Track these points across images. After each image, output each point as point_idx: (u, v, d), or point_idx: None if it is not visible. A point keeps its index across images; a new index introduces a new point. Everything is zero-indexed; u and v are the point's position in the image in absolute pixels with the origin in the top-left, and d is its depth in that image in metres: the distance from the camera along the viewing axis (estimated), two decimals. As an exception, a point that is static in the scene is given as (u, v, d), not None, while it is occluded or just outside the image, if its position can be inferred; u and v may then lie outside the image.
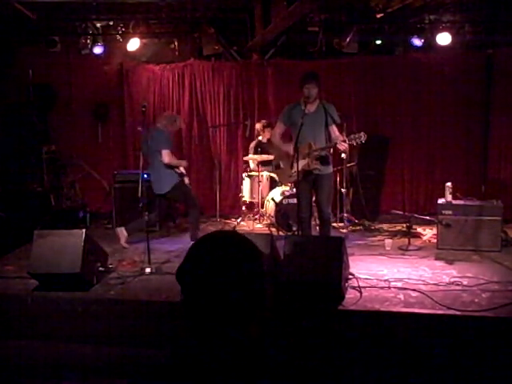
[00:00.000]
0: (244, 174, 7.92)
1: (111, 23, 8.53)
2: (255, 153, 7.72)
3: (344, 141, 5.64)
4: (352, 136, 5.66)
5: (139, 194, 5.87)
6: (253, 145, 8.01)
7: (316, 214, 7.20)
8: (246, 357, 1.29)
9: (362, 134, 5.60)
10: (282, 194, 7.19)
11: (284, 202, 7.09)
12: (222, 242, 1.36)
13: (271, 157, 7.52)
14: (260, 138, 7.93)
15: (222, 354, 1.29)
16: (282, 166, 6.17)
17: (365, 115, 8.39)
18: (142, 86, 9.01)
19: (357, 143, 5.71)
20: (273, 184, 7.70)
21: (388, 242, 6.63)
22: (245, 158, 8.04)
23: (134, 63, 8.97)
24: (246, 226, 7.82)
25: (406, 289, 5.01)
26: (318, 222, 7.19)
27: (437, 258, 6.11)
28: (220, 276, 1.29)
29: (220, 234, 1.44)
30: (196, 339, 1.32)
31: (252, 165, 7.87)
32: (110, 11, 8.20)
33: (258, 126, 7.98)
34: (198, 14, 8.27)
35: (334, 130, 5.80)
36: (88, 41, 8.56)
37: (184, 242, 7.10)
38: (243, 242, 1.37)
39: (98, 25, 8.52)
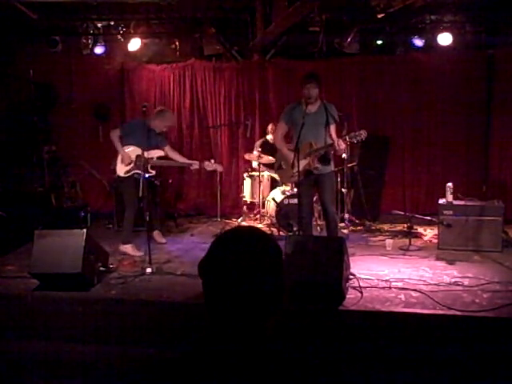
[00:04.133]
0: (245, 174, 7.92)
1: (112, 23, 8.54)
2: (263, 151, 7.72)
3: (344, 140, 5.65)
4: (352, 134, 5.66)
5: (140, 194, 5.87)
6: (259, 143, 8.01)
7: (316, 215, 7.21)
8: (255, 354, 1.29)
9: (362, 131, 5.61)
10: (283, 193, 7.19)
11: (285, 202, 7.09)
12: (244, 238, 1.37)
13: (273, 159, 7.52)
14: (268, 137, 7.91)
15: (233, 349, 1.29)
16: (283, 166, 6.17)
17: (365, 115, 8.39)
18: (142, 86, 9.02)
19: (358, 141, 5.72)
20: (274, 184, 7.69)
21: (389, 242, 6.63)
22: (247, 157, 8.02)
23: (134, 63, 8.98)
24: (247, 226, 7.81)
25: (406, 289, 5.00)
26: (318, 222, 7.20)
27: (437, 259, 6.10)
28: (241, 271, 1.30)
29: (242, 229, 1.47)
30: (213, 332, 1.32)
31: (255, 163, 7.86)
32: (110, 11, 8.21)
33: (270, 126, 7.94)
34: (198, 14, 8.27)
35: (332, 130, 5.81)
36: (89, 41, 8.57)
37: (185, 242, 7.12)
38: (265, 238, 1.38)
39: (99, 25, 8.52)
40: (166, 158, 6.61)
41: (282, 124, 6.04)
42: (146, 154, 6.14)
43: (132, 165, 6.32)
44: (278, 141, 6.21)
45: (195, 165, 6.50)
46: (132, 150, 6.34)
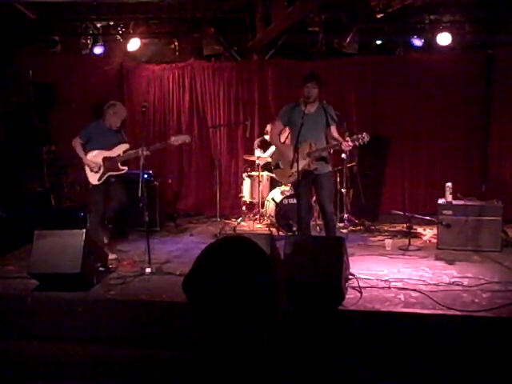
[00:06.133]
0: (244, 174, 7.92)
1: (111, 23, 8.54)
2: (262, 149, 7.71)
3: (346, 141, 5.66)
4: (355, 137, 5.67)
5: (139, 194, 5.86)
6: (258, 141, 8.00)
7: (316, 214, 7.22)
8: (250, 362, 1.27)
9: (364, 134, 5.62)
10: (282, 194, 7.19)
11: (284, 202, 7.09)
12: (230, 250, 1.31)
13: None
14: (266, 137, 7.89)
15: (227, 361, 1.27)
16: (280, 166, 6.17)
17: (365, 115, 8.39)
18: (142, 86, 9.02)
19: (359, 144, 5.73)
20: (273, 184, 7.69)
21: (388, 242, 6.63)
22: (246, 157, 8.03)
23: (134, 63, 8.98)
24: (246, 226, 7.82)
25: (406, 289, 5.00)
26: (317, 222, 7.20)
27: (437, 258, 6.10)
28: (228, 286, 1.25)
29: (228, 240, 1.37)
30: (203, 347, 1.29)
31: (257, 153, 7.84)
32: (110, 11, 8.22)
33: (268, 127, 7.90)
34: (198, 14, 8.28)
35: (334, 130, 5.82)
36: (88, 41, 8.57)
37: (184, 242, 7.12)
38: (252, 249, 1.33)
39: (98, 25, 8.53)
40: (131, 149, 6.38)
41: (280, 123, 6.05)
42: (110, 153, 6.20)
43: (102, 169, 6.22)
44: (275, 140, 6.21)
45: (159, 145, 6.36)
46: (96, 155, 6.25)
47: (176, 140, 6.22)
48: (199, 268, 1.31)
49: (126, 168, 6.30)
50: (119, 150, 6.28)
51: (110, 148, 6.24)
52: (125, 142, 6.37)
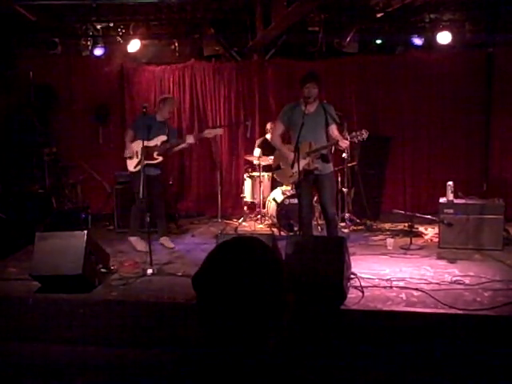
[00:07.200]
0: (245, 175, 7.91)
1: (111, 25, 8.55)
2: (262, 149, 7.70)
3: (346, 139, 5.66)
4: (354, 134, 5.68)
5: (140, 195, 5.86)
6: (258, 142, 7.99)
7: (317, 214, 7.21)
8: (255, 362, 1.27)
9: (363, 131, 5.63)
10: (284, 194, 7.19)
11: (285, 202, 7.09)
12: (242, 250, 1.32)
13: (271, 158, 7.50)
14: (267, 136, 7.88)
15: (231, 360, 1.26)
16: (282, 166, 6.16)
17: (365, 115, 8.39)
18: (142, 87, 9.02)
19: (359, 140, 5.73)
20: (274, 184, 7.68)
21: (390, 241, 6.63)
22: (247, 158, 8.02)
23: (134, 64, 8.99)
24: (248, 226, 7.82)
25: (408, 288, 5.00)
26: (319, 222, 7.20)
27: (439, 257, 6.10)
28: (238, 285, 1.25)
29: (240, 240, 1.38)
30: (209, 346, 1.29)
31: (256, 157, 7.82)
32: (110, 13, 8.22)
33: (268, 125, 7.89)
34: (198, 15, 8.28)
35: (334, 129, 5.81)
36: (88, 42, 8.58)
37: (186, 243, 7.12)
38: (263, 250, 1.34)
39: (99, 26, 8.53)
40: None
41: (280, 124, 6.03)
42: (149, 143, 6.41)
43: (138, 157, 6.46)
44: (276, 141, 6.20)
45: (190, 138, 6.60)
46: (137, 143, 6.49)
47: (209, 133, 6.77)
48: (211, 265, 1.32)
49: (160, 158, 6.54)
50: (158, 141, 6.52)
51: (150, 138, 6.47)
52: (165, 135, 6.59)
